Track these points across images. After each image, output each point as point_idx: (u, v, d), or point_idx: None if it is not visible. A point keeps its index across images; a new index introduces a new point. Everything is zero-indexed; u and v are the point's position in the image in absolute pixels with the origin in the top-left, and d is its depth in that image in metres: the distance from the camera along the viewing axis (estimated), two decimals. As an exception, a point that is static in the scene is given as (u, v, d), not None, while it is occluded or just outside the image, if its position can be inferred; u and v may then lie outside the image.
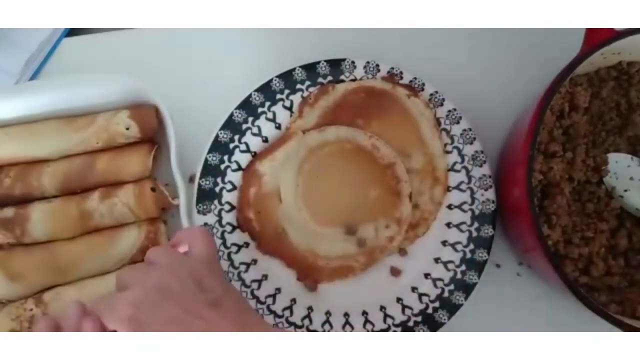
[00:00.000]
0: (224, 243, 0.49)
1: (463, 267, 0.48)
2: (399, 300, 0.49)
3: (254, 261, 0.50)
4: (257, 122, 0.51)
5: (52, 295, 0.46)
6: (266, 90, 0.50)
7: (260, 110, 0.51)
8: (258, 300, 0.48)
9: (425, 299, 0.48)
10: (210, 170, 0.49)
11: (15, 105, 0.49)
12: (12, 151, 0.49)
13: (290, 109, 0.51)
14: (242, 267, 0.49)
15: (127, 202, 0.48)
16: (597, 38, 0.41)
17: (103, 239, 0.48)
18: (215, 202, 0.49)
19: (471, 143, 0.50)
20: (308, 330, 0.48)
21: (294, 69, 0.51)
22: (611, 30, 0.41)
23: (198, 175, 0.49)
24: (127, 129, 0.48)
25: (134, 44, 0.56)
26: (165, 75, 0.53)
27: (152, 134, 0.49)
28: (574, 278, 0.44)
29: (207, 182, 0.49)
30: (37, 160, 0.49)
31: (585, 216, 0.45)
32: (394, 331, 0.48)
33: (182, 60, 0.56)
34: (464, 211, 0.49)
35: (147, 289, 0.35)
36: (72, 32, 0.57)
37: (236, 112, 0.50)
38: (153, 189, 0.48)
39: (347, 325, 0.48)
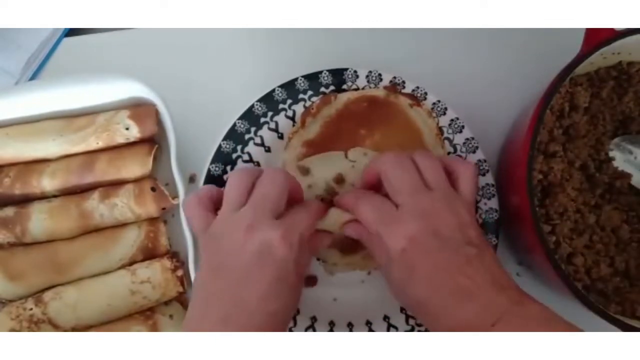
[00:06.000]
0: (224, 243, 0.49)
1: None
2: (402, 310, 0.48)
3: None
4: (259, 132, 0.50)
5: (52, 294, 0.46)
6: (269, 100, 0.50)
7: (262, 120, 0.50)
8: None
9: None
10: (213, 180, 0.49)
11: (15, 105, 0.49)
12: (12, 151, 0.49)
13: (292, 118, 0.51)
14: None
15: (127, 202, 0.48)
16: (597, 38, 0.41)
17: (103, 239, 0.48)
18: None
19: (474, 152, 0.49)
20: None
21: (296, 79, 0.50)
22: (611, 30, 0.41)
23: (201, 184, 0.49)
24: (127, 129, 0.48)
25: (134, 44, 0.56)
26: (165, 75, 0.53)
27: (152, 134, 0.49)
28: (574, 278, 0.44)
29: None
30: (37, 160, 0.49)
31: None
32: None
33: (182, 60, 0.56)
34: (467, 219, 0.49)
35: (424, 230, 0.37)
36: (72, 32, 0.57)
37: (239, 123, 0.50)
38: (153, 189, 0.48)
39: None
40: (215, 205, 0.41)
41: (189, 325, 0.37)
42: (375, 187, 0.43)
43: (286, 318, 0.38)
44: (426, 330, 0.47)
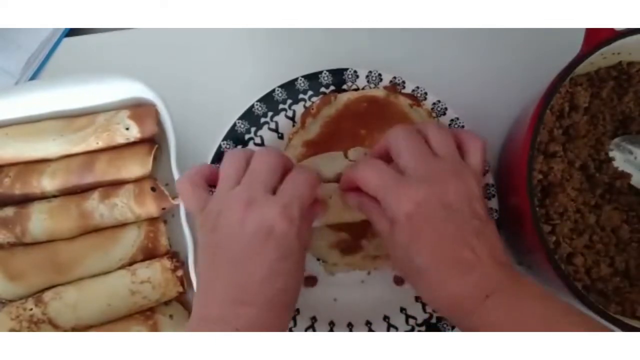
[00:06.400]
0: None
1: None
2: (402, 310, 0.48)
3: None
4: (259, 132, 0.50)
5: (52, 295, 0.46)
6: (269, 100, 0.50)
7: (262, 120, 0.50)
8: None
9: (429, 308, 0.48)
10: None
11: (15, 105, 0.49)
12: (12, 151, 0.49)
13: (292, 119, 0.51)
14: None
15: (127, 202, 0.48)
16: (597, 38, 0.41)
17: (103, 239, 0.48)
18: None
19: None
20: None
21: (296, 79, 0.50)
22: (611, 30, 0.41)
23: None
24: (127, 129, 0.48)
25: (134, 44, 0.56)
26: (165, 75, 0.53)
27: (152, 134, 0.49)
28: (574, 278, 0.44)
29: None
30: (37, 160, 0.49)
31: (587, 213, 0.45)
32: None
33: (182, 60, 0.56)
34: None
35: (432, 196, 0.36)
36: (72, 32, 0.57)
37: (239, 123, 0.50)
38: (153, 189, 0.48)
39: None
40: (208, 183, 0.41)
41: (198, 310, 0.37)
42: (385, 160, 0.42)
43: (295, 292, 0.38)
44: (427, 329, 0.47)
